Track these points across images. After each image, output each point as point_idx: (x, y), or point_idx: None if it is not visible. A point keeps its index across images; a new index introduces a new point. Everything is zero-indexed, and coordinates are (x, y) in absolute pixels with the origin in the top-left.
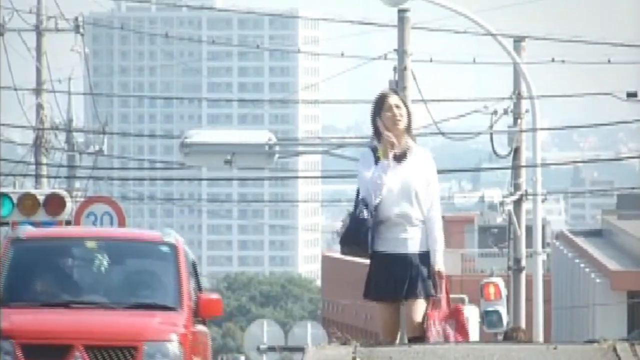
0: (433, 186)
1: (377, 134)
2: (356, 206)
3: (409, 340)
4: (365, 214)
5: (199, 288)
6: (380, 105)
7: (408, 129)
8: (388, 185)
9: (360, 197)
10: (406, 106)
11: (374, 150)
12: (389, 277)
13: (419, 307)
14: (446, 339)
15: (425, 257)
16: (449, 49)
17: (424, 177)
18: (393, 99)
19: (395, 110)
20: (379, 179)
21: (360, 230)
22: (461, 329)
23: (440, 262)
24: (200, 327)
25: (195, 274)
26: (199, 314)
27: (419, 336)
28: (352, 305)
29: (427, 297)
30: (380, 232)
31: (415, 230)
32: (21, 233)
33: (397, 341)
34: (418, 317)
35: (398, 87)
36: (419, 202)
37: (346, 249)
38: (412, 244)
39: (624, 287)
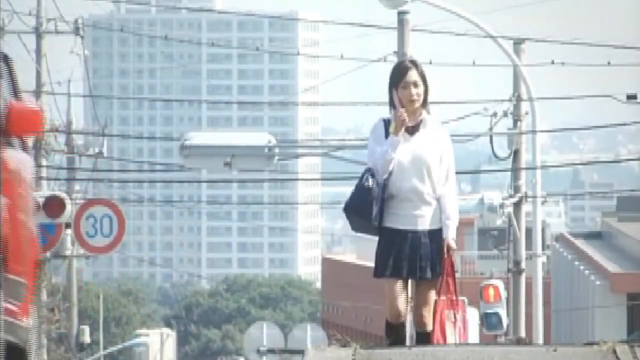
0: (447, 161)
1: (392, 104)
2: (363, 175)
3: (416, 334)
4: (371, 182)
5: (14, 93)
6: (398, 78)
7: (424, 103)
8: (399, 159)
9: (367, 167)
10: (424, 81)
11: (387, 122)
12: (398, 255)
13: (429, 291)
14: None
15: (436, 234)
16: (448, 51)
17: (437, 151)
18: (413, 76)
19: (413, 90)
20: (387, 154)
21: (365, 200)
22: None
23: (452, 237)
24: (14, 153)
25: (9, 73)
26: (7, 132)
27: (426, 332)
28: (352, 308)
29: (438, 277)
30: (390, 208)
31: (427, 207)
32: None
33: (405, 318)
34: (425, 305)
35: None
36: (431, 177)
37: (350, 219)
38: (423, 221)
39: (624, 289)
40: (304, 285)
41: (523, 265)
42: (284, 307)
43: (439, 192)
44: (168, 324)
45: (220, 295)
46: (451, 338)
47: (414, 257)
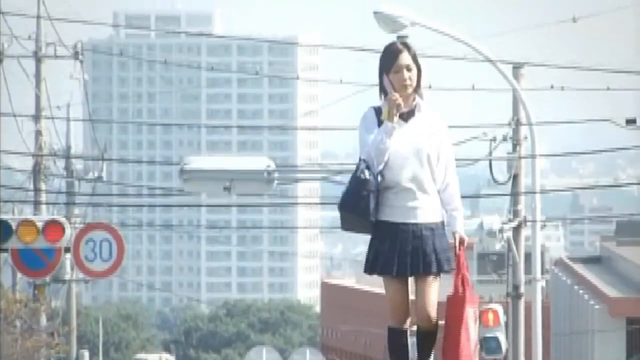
0: (446, 146)
1: (383, 90)
2: (358, 166)
3: (418, 331)
4: (367, 174)
5: None
6: (390, 62)
7: (417, 88)
8: (395, 147)
9: (360, 158)
10: (417, 65)
11: (378, 111)
12: (394, 249)
13: (431, 287)
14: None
15: (437, 228)
16: (447, 75)
17: (435, 136)
18: (405, 59)
19: (406, 74)
20: (382, 143)
21: (361, 194)
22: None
23: (462, 230)
24: None
25: None
26: None
27: (430, 330)
28: (351, 332)
29: (439, 273)
30: (387, 199)
31: (427, 197)
32: None
33: (408, 325)
34: (429, 302)
35: None
36: (431, 165)
37: (344, 217)
38: (423, 214)
39: (623, 314)
40: (303, 310)
41: (522, 289)
42: (284, 331)
43: (442, 183)
44: (167, 349)
45: (220, 320)
46: (474, 336)
47: (411, 253)
